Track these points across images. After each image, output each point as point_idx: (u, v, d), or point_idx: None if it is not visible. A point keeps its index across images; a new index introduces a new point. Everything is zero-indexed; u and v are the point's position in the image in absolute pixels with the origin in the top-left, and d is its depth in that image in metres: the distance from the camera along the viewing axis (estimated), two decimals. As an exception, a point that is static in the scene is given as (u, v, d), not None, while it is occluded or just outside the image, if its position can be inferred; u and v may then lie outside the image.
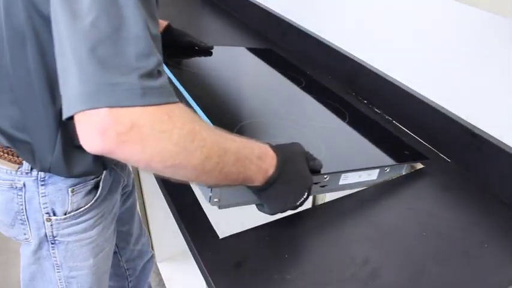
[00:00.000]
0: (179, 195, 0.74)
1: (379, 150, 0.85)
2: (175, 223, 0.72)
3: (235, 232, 0.67)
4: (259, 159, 0.58)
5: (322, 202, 0.80)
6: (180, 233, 0.70)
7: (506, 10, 0.63)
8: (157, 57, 0.49)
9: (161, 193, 0.79)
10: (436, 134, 0.90)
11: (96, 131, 0.45)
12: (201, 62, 1.13)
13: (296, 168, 0.62)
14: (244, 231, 0.67)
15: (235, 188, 0.61)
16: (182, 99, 0.87)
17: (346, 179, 0.75)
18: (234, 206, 0.66)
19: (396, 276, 0.61)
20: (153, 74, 0.48)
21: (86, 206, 0.77)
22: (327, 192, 0.76)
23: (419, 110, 0.92)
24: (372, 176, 0.78)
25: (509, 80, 0.75)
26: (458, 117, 0.85)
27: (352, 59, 1.09)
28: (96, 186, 0.78)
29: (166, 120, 0.47)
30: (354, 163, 0.77)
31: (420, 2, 0.90)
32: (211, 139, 0.52)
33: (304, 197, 0.63)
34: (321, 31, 1.22)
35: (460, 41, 0.83)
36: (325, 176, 0.71)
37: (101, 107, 0.44)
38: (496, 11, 0.67)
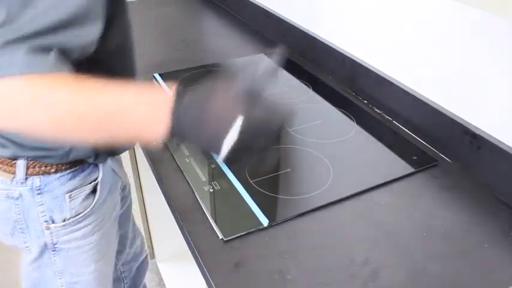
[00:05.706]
0: (179, 195, 0.74)
1: (389, 161, 0.86)
2: (175, 223, 0.72)
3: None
4: (151, 105, 0.50)
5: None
6: (180, 233, 0.70)
7: (506, 10, 0.63)
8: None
9: (161, 192, 0.79)
10: (436, 134, 0.89)
11: None
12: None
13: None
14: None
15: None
16: None
17: None
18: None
19: (396, 276, 0.61)
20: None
21: (85, 212, 0.76)
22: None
23: (419, 110, 0.92)
24: None
25: (509, 80, 0.75)
26: (459, 117, 0.85)
27: (352, 59, 1.09)
28: (94, 190, 0.76)
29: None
30: (363, 181, 0.78)
31: (421, 2, 0.90)
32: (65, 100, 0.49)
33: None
34: (321, 31, 1.22)
35: (460, 41, 0.83)
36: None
37: None
38: (496, 11, 0.67)
